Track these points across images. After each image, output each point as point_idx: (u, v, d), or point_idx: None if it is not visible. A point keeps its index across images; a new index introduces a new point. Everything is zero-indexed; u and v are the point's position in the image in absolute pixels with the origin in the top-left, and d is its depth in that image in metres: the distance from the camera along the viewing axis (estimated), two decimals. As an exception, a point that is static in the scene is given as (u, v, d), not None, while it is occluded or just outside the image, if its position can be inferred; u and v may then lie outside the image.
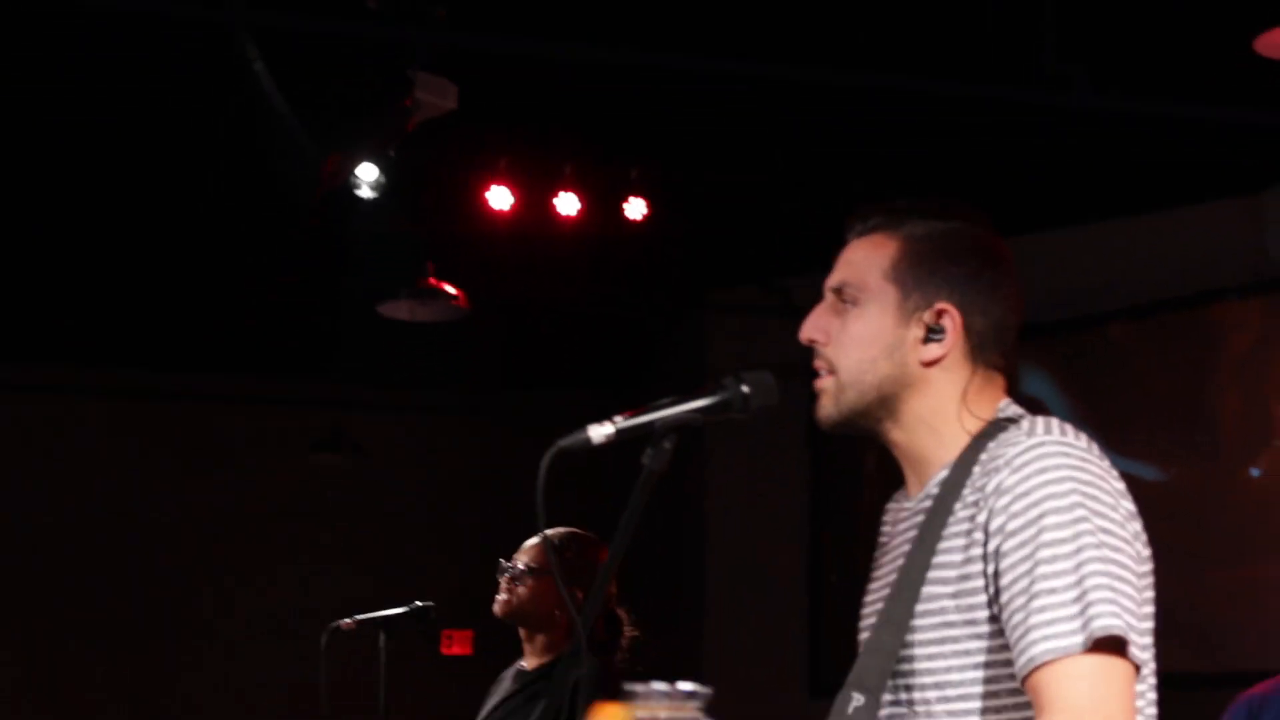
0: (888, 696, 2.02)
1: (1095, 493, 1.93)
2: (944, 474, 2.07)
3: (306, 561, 9.33)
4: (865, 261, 2.14)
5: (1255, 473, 7.04)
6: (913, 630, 2.01)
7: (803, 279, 7.93)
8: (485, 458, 9.34)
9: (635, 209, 6.86)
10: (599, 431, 2.01)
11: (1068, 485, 1.92)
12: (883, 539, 2.24)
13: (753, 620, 8.22)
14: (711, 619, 8.39)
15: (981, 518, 1.96)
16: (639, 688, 1.90)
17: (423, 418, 9.39)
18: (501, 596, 4.18)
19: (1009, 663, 1.93)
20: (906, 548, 2.07)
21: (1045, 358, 7.50)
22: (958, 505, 2.00)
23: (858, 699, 1.99)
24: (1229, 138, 6.40)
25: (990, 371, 2.12)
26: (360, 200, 6.02)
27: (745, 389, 2.08)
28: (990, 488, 1.96)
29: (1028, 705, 1.93)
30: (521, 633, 4.23)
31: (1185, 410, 7.22)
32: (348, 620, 4.38)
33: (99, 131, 6.19)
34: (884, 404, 2.10)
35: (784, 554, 8.20)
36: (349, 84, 4.40)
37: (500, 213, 6.70)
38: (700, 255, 7.80)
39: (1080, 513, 1.91)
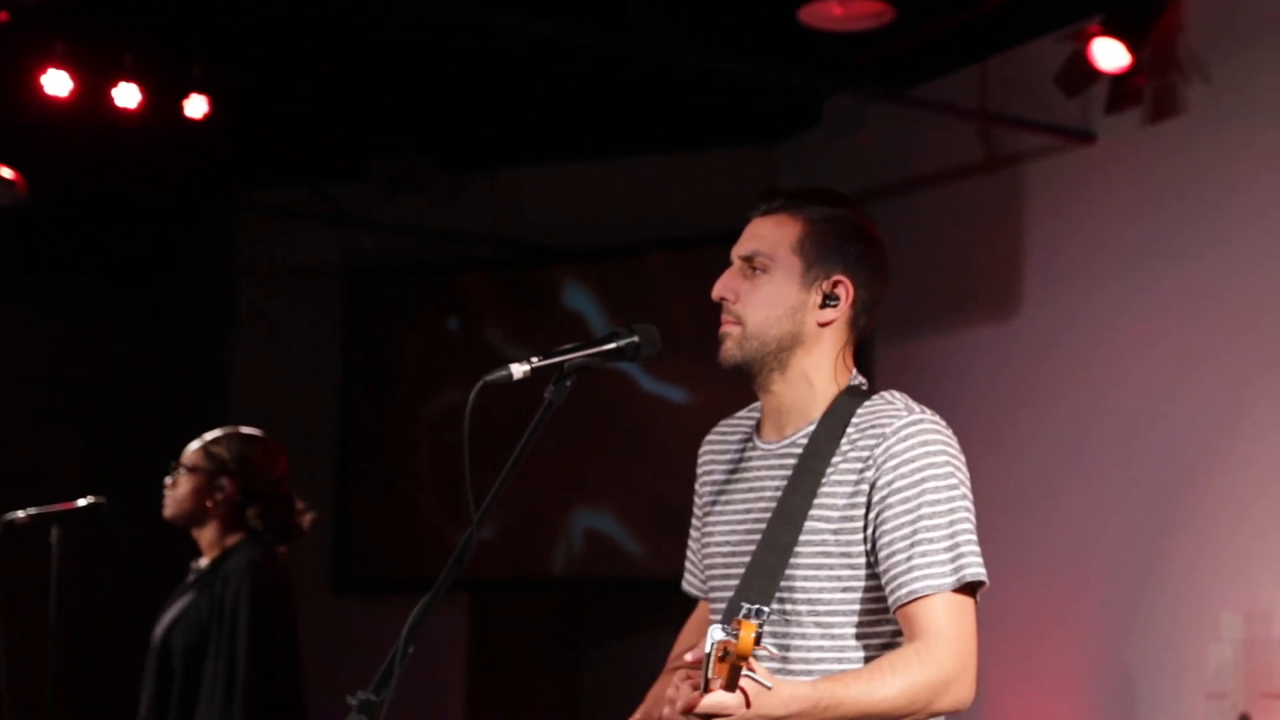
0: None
1: (961, 465, 2.48)
2: (811, 428, 2.54)
3: None
4: (774, 236, 2.58)
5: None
6: (795, 555, 2.46)
7: (350, 188, 8.15)
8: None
9: (196, 106, 6.86)
10: (519, 369, 2.37)
11: (943, 458, 2.45)
12: (714, 468, 2.70)
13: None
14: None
15: (869, 474, 2.44)
16: (746, 605, 2.28)
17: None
18: (166, 499, 4.34)
19: (873, 589, 2.45)
20: (776, 483, 2.54)
21: (589, 278, 8.01)
22: (835, 459, 2.48)
23: (746, 609, 2.36)
24: (762, 93, 7.03)
25: (856, 338, 2.60)
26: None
27: (636, 339, 2.51)
28: (880, 450, 2.45)
29: (882, 623, 2.47)
30: (193, 533, 4.38)
31: (706, 339, 7.79)
32: (21, 514, 4.40)
33: None
34: (778, 355, 2.56)
35: (312, 445, 8.31)
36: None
37: (58, 99, 6.57)
38: (252, 157, 7.85)
39: (953, 480, 2.45)
